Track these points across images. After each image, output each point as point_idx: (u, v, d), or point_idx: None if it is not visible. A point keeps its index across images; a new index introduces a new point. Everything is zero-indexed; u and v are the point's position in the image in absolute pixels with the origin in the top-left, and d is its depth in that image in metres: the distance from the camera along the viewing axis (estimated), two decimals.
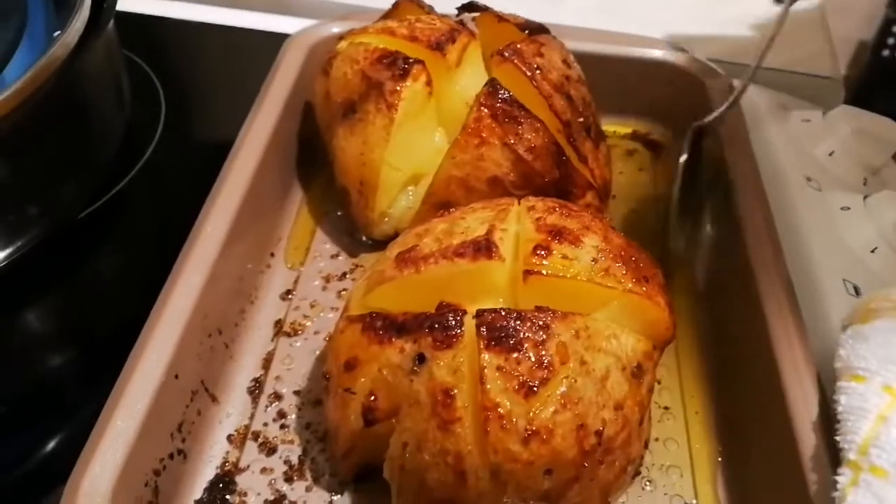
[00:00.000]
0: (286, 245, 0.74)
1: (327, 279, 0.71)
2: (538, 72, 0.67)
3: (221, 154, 0.69)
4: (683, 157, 0.70)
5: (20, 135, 0.65)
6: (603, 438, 0.49)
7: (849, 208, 0.72)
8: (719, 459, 0.60)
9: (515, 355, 0.48)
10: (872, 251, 0.68)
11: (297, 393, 0.63)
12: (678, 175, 0.69)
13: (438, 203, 0.68)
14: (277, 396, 0.63)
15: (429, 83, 0.67)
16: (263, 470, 0.59)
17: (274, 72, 0.77)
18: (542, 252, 0.52)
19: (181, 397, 0.57)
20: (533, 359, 0.48)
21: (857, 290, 0.66)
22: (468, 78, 0.69)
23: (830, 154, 0.77)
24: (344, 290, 0.70)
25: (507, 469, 0.48)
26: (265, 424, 0.61)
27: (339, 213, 0.76)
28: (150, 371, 0.54)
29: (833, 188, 0.74)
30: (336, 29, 0.80)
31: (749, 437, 0.59)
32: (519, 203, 0.58)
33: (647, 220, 0.77)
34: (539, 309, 0.50)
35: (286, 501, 0.57)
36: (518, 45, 0.68)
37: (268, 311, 0.68)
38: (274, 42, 0.81)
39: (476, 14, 0.73)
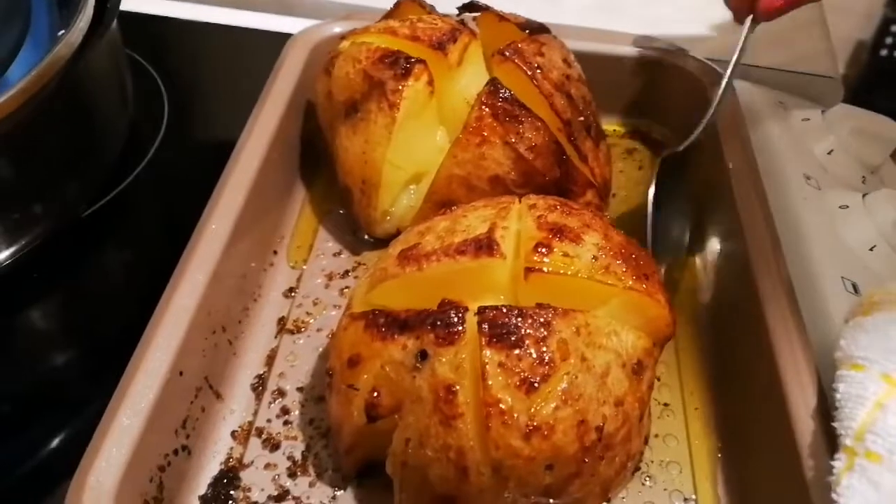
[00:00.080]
0: (289, 243, 0.74)
1: (330, 277, 0.72)
2: (539, 71, 0.68)
3: (224, 153, 0.70)
4: (651, 190, 0.70)
5: (24, 134, 0.66)
6: (603, 434, 0.50)
7: (848, 207, 0.72)
8: (719, 456, 0.61)
9: (517, 352, 0.48)
10: (871, 249, 0.69)
11: (300, 389, 0.64)
12: (649, 204, 0.70)
13: (440, 201, 0.68)
14: (281, 393, 0.63)
15: (430, 82, 0.67)
16: (267, 466, 0.59)
17: (276, 71, 0.77)
18: (544, 250, 0.53)
19: (185, 394, 0.58)
20: (534, 355, 0.48)
21: (855, 288, 0.66)
22: (469, 77, 0.69)
23: (829, 153, 0.78)
24: (346, 287, 0.71)
25: (509, 464, 0.48)
26: (269, 421, 0.62)
27: (341, 212, 0.76)
28: (155, 368, 0.54)
29: (832, 187, 0.75)
30: (338, 29, 0.80)
31: (748, 434, 0.59)
32: (520, 201, 0.58)
33: (645, 218, 0.77)
34: (540, 306, 0.50)
35: (290, 497, 0.57)
36: (519, 45, 0.68)
37: (271, 308, 0.69)
38: (276, 42, 0.82)
39: (477, 14, 0.74)
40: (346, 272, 0.72)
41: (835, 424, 0.50)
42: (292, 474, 0.59)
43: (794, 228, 0.70)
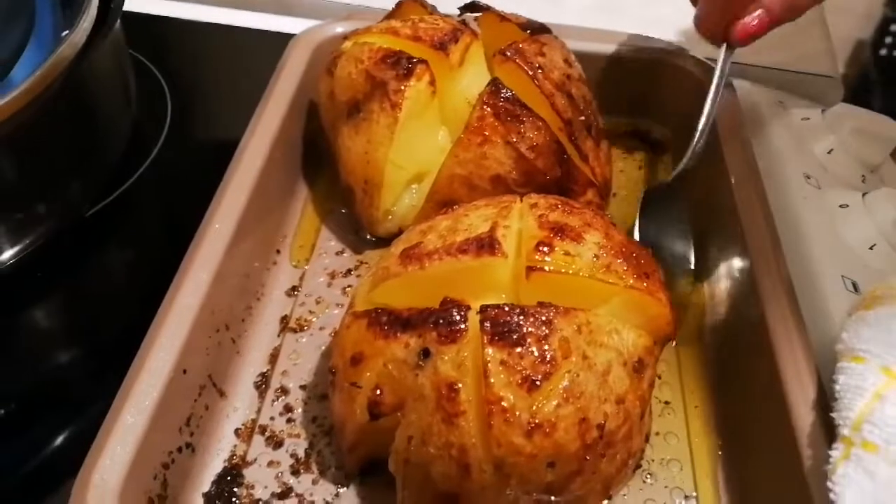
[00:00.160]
0: (292, 242, 0.74)
1: (332, 276, 0.72)
2: (540, 71, 0.68)
3: (227, 153, 0.70)
4: (637, 222, 0.70)
5: (28, 134, 0.66)
6: (605, 432, 0.50)
7: (848, 206, 0.72)
8: (719, 454, 0.61)
9: (519, 350, 0.49)
10: (871, 248, 0.69)
11: (303, 387, 0.64)
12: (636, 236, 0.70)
13: (442, 201, 0.68)
14: (284, 391, 0.64)
15: (432, 82, 0.67)
16: (270, 463, 0.59)
17: (279, 71, 0.78)
18: (545, 249, 0.53)
19: (189, 392, 0.58)
20: (536, 353, 0.49)
21: (855, 287, 0.66)
22: (471, 77, 0.70)
23: (829, 152, 0.78)
24: (349, 286, 0.71)
25: (511, 462, 0.48)
26: (272, 418, 0.62)
27: (343, 211, 0.77)
28: (159, 366, 0.55)
29: (832, 186, 0.75)
30: (340, 29, 0.81)
31: (748, 432, 0.60)
32: (521, 200, 0.59)
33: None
34: (542, 304, 0.51)
35: (293, 494, 0.58)
36: (520, 45, 0.69)
37: (274, 307, 0.69)
38: (279, 42, 0.82)
39: (478, 14, 0.74)
40: (349, 271, 0.72)
41: (833, 415, 0.50)
42: (295, 472, 0.59)
43: (795, 227, 0.70)
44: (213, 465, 0.59)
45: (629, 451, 0.53)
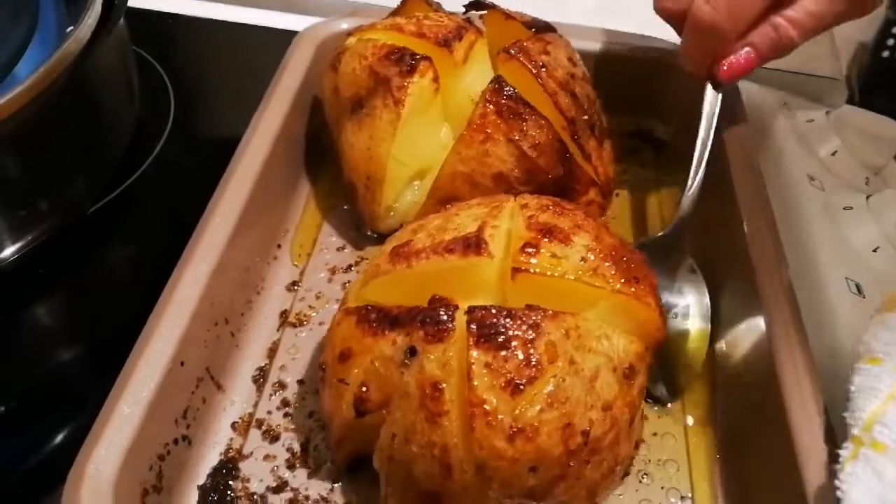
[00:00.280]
0: (293, 237, 0.74)
1: (333, 271, 0.72)
2: (544, 69, 0.68)
3: (230, 149, 0.70)
4: None
5: (32, 130, 0.66)
6: (590, 438, 0.50)
7: (851, 208, 0.72)
8: (716, 455, 0.60)
9: (504, 353, 0.48)
10: (875, 250, 0.69)
11: (300, 382, 0.64)
12: None
13: (444, 198, 0.68)
14: (282, 385, 0.63)
15: (435, 79, 0.67)
16: (266, 457, 0.59)
17: (283, 67, 0.78)
18: (531, 250, 0.52)
19: (187, 384, 0.58)
20: (521, 357, 0.48)
21: (859, 289, 0.66)
22: (475, 75, 0.70)
23: (833, 154, 0.78)
24: (349, 282, 0.71)
25: (492, 465, 0.48)
26: (269, 412, 0.62)
27: (345, 207, 0.77)
28: (157, 358, 0.54)
29: (836, 188, 0.75)
30: (344, 25, 0.80)
31: (746, 433, 0.59)
32: (515, 199, 0.58)
33: (648, 216, 0.78)
34: (529, 307, 0.50)
35: (288, 488, 0.58)
36: (524, 43, 0.69)
37: (274, 301, 0.69)
38: (283, 39, 0.82)
39: (483, 12, 0.74)
40: (349, 267, 0.72)
41: (845, 414, 0.50)
42: (291, 466, 0.59)
43: (798, 229, 0.70)
44: (210, 458, 0.59)
45: (616, 457, 0.53)
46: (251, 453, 0.59)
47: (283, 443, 0.60)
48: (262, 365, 0.65)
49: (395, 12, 0.76)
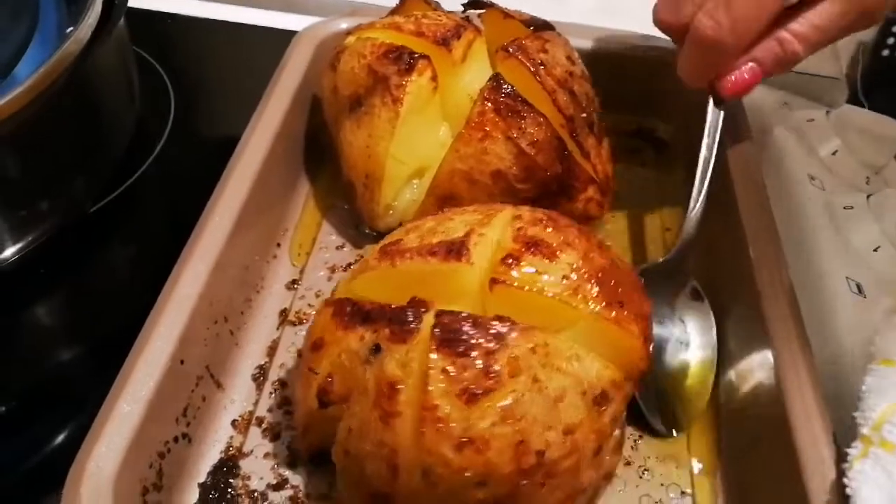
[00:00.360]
0: (292, 236, 0.74)
1: (332, 270, 0.72)
2: (542, 67, 0.68)
3: (230, 149, 0.70)
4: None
5: (32, 131, 0.67)
6: (545, 460, 0.48)
7: (852, 207, 0.72)
8: (717, 451, 0.60)
9: (463, 360, 0.47)
10: (875, 250, 0.69)
11: None
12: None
13: (442, 196, 0.68)
14: (282, 384, 0.64)
15: (434, 78, 0.67)
16: (267, 455, 0.59)
17: (282, 67, 0.78)
18: (512, 262, 0.51)
19: (186, 382, 0.58)
20: (480, 366, 0.47)
21: (860, 289, 0.66)
22: (473, 73, 0.70)
23: (834, 153, 0.78)
24: None
25: (438, 472, 0.47)
26: (269, 411, 0.62)
27: (345, 207, 0.77)
28: (156, 356, 0.55)
29: (837, 187, 0.75)
30: (343, 25, 0.81)
31: (747, 430, 0.59)
32: (515, 208, 0.58)
33: (650, 216, 0.78)
34: (499, 318, 0.49)
35: (288, 485, 0.58)
36: (523, 41, 0.69)
37: (273, 300, 0.69)
38: (282, 39, 0.82)
39: (482, 11, 0.74)
40: (349, 265, 0.72)
41: (855, 414, 0.50)
42: (291, 464, 0.59)
43: (798, 228, 0.70)
44: (210, 456, 0.59)
45: (576, 485, 0.51)
46: (251, 451, 0.59)
47: (283, 441, 0.60)
48: (262, 363, 0.65)
49: (395, 11, 0.76)
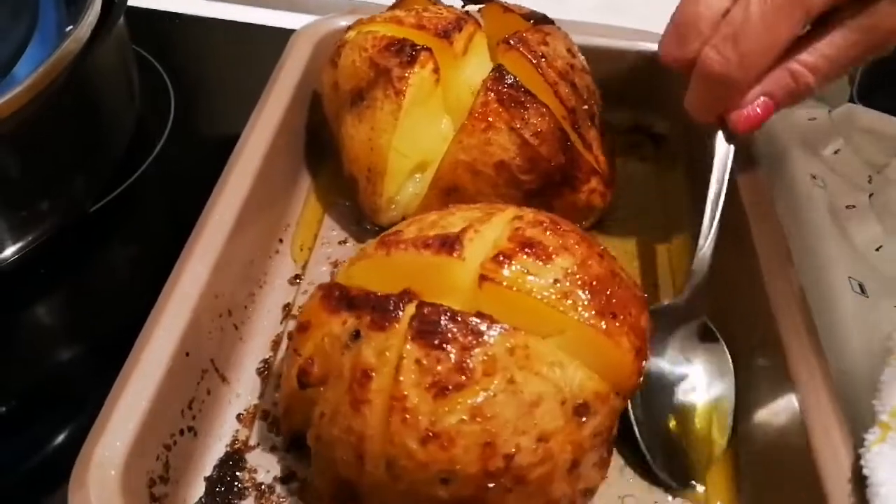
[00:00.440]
0: (294, 231, 0.74)
1: (335, 264, 0.72)
2: (543, 59, 0.68)
3: (230, 148, 0.70)
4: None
5: (32, 130, 0.66)
6: (513, 464, 0.47)
7: (854, 206, 0.72)
8: (731, 449, 0.60)
9: (437, 353, 0.47)
10: (878, 249, 0.69)
11: None
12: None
13: (446, 188, 0.69)
14: None
15: (436, 70, 0.68)
16: (273, 448, 0.59)
17: (282, 64, 0.78)
18: (503, 260, 0.51)
19: (192, 375, 0.58)
20: (453, 361, 0.47)
21: (862, 288, 0.66)
22: (474, 66, 0.70)
23: (836, 152, 0.78)
24: None
25: (402, 464, 0.47)
26: (274, 404, 0.61)
27: (346, 204, 0.77)
28: (162, 347, 0.54)
29: (839, 186, 0.75)
30: (343, 23, 0.80)
31: (760, 427, 0.58)
32: (520, 209, 0.57)
33: (650, 211, 0.78)
34: (479, 315, 0.49)
35: (296, 478, 0.57)
36: (523, 34, 0.69)
37: (277, 294, 0.69)
38: (282, 38, 0.82)
39: (482, 5, 0.74)
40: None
41: (874, 402, 0.50)
42: (298, 456, 0.58)
43: (801, 228, 0.70)
44: (216, 450, 0.59)
45: (548, 496, 0.50)
46: (257, 444, 0.59)
47: None
48: (267, 357, 0.64)
49: (395, 6, 0.76)
